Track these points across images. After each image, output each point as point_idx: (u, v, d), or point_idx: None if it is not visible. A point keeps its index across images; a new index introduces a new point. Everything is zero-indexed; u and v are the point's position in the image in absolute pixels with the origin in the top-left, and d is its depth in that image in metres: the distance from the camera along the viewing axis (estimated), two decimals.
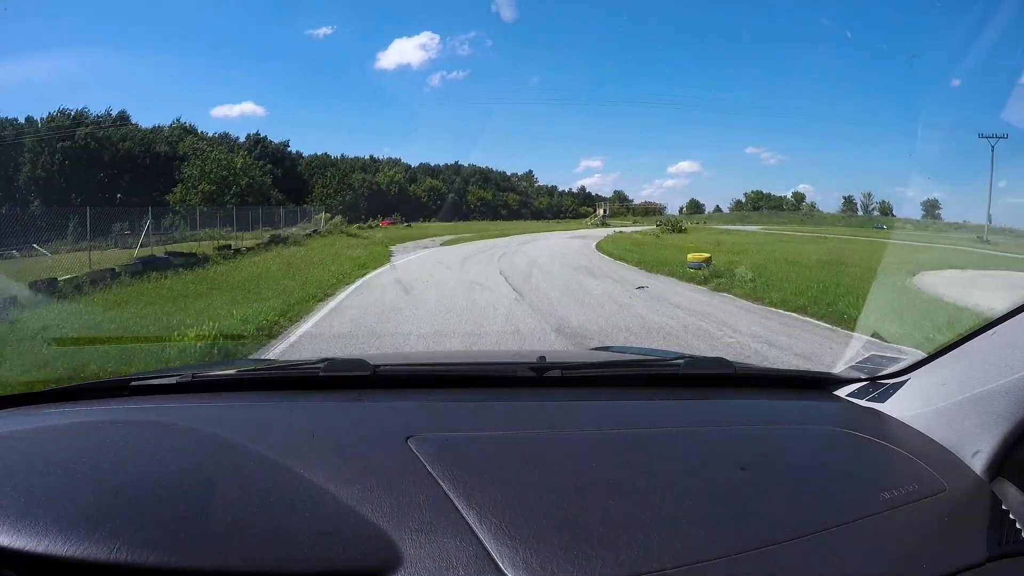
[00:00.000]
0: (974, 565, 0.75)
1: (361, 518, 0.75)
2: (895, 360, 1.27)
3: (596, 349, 2.72)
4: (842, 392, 1.29)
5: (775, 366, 4.59)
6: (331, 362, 1.29)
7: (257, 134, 46.93)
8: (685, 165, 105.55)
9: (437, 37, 68.70)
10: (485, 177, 67.78)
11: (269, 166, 40.28)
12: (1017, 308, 0.94)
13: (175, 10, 62.74)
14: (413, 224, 43.50)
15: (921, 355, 1.16)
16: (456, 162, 65.17)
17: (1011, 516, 0.83)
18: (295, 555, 0.69)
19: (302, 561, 0.68)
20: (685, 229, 34.56)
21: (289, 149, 48.57)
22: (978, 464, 0.93)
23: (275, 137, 48.61)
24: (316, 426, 1.07)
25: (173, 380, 1.25)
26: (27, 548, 0.66)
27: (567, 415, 1.14)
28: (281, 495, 0.80)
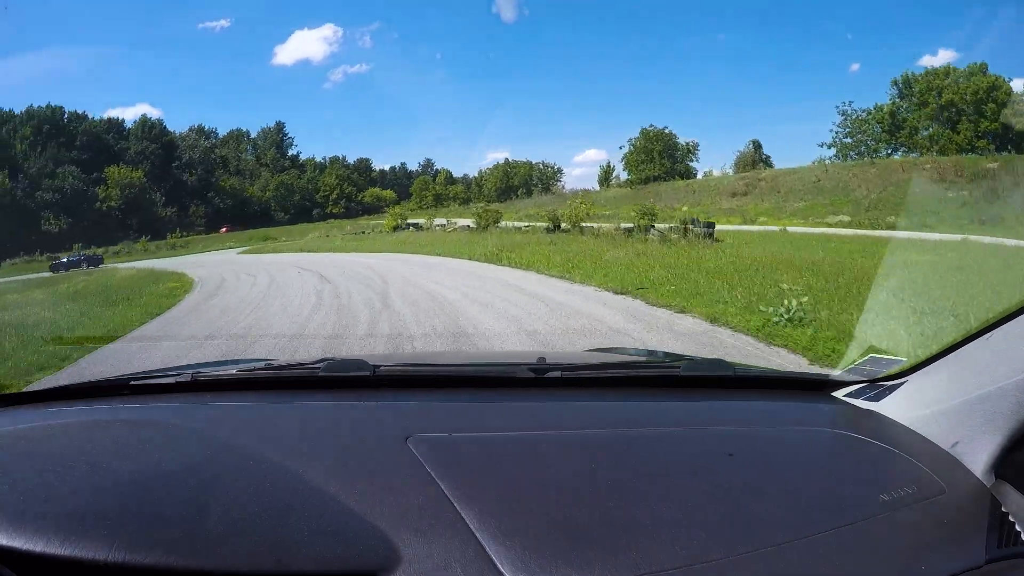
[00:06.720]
0: (973, 567, 0.75)
1: (360, 518, 0.75)
2: (894, 363, 1.27)
3: (594, 350, 2.73)
4: (841, 394, 1.29)
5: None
6: (331, 362, 1.29)
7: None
8: (592, 153, 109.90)
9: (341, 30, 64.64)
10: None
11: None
12: (1016, 310, 0.94)
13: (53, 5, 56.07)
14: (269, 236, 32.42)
15: (920, 358, 1.16)
16: (343, 156, 59.30)
17: (1010, 518, 0.83)
18: (294, 555, 0.69)
19: (301, 561, 0.68)
20: None
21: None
22: (977, 466, 0.93)
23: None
24: (315, 426, 1.07)
25: (172, 380, 1.25)
26: (25, 548, 0.66)
27: (566, 416, 1.14)
28: (280, 495, 0.80)
